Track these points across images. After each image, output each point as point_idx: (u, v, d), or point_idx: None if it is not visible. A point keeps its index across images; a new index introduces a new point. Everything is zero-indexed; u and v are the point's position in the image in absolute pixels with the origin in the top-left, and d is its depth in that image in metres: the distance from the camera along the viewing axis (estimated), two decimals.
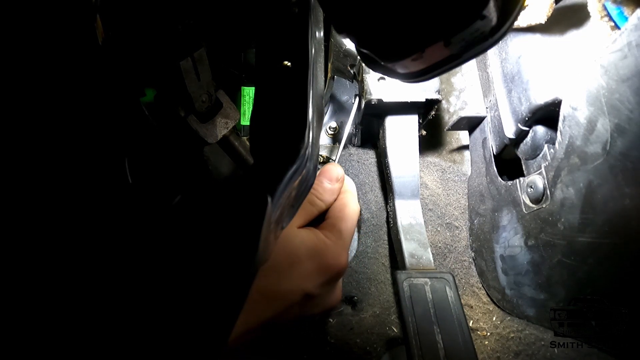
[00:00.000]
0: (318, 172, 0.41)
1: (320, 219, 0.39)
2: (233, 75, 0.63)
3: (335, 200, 0.40)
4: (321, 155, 0.62)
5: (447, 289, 0.44)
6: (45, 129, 0.29)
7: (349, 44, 0.53)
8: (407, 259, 0.48)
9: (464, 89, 0.66)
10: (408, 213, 0.53)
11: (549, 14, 0.44)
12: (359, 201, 0.59)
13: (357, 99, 0.55)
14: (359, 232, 0.58)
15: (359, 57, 0.52)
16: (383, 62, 0.26)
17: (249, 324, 0.29)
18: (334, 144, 0.64)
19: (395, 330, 0.51)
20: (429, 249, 0.49)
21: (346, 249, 0.37)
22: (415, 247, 0.49)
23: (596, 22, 0.40)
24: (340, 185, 0.40)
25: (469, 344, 0.40)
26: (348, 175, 0.60)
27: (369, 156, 0.63)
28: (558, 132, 0.40)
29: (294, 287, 0.32)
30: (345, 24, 0.24)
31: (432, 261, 0.48)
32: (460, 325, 0.41)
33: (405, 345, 0.41)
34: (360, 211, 0.59)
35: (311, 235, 0.35)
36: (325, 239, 0.35)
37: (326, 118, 0.65)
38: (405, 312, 0.42)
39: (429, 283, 0.44)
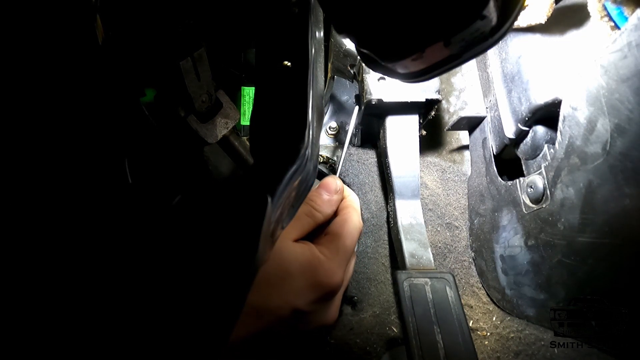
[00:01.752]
0: (317, 185, 0.41)
1: (320, 232, 0.39)
2: (233, 75, 0.63)
3: (336, 214, 0.39)
4: (321, 156, 0.61)
5: (447, 289, 0.44)
6: (46, 129, 0.29)
7: (349, 44, 0.53)
8: (407, 259, 0.48)
9: (464, 89, 0.66)
10: (408, 213, 0.53)
11: (549, 14, 0.44)
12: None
13: (359, 101, 0.55)
14: None
15: (359, 57, 0.52)
16: (383, 62, 0.26)
17: (238, 336, 0.29)
18: (334, 144, 0.64)
19: (395, 330, 0.51)
20: (429, 249, 0.49)
21: (342, 267, 0.36)
22: (415, 247, 0.49)
23: (596, 22, 0.40)
24: (339, 197, 0.39)
25: (469, 344, 0.40)
26: (348, 175, 0.60)
27: (369, 156, 0.63)
28: (558, 132, 0.40)
29: (284, 302, 0.32)
30: (345, 24, 0.24)
31: (432, 261, 0.48)
32: (460, 325, 0.41)
33: (405, 345, 0.40)
34: (360, 211, 0.58)
35: (305, 250, 0.35)
36: (319, 255, 0.35)
37: (326, 118, 0.65)
38: (405, 312, 0.42)
39: (429, 283, 0.44)
